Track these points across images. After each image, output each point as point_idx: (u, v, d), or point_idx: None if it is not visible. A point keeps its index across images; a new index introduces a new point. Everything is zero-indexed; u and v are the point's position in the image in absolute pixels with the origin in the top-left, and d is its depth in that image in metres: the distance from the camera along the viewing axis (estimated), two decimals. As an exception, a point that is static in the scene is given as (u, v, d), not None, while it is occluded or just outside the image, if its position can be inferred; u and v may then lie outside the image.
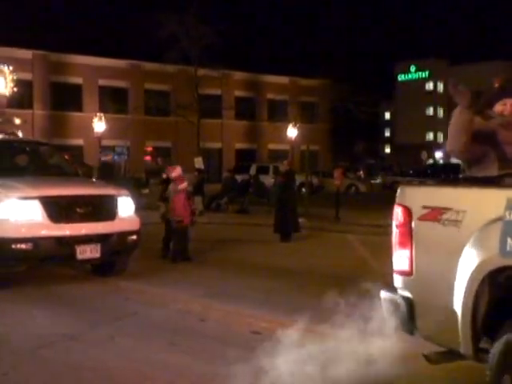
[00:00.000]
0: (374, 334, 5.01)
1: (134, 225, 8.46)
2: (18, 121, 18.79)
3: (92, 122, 32.49)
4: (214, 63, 36.71)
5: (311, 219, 16.42)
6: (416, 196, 3.56)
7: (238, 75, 44.83)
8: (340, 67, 41.06)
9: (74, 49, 39.94)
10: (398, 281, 3.58)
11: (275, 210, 13.49)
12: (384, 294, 3.65)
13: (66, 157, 11.46)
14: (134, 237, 8.38)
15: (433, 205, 3.38)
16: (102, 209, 8.16)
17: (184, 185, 10.39)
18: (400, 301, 3.47)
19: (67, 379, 4.63)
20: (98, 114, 33.28)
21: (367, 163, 59.12)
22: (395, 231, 3.57)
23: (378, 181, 43.04)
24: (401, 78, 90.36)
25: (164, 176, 11.42)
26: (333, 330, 5.28)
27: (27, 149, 9.96)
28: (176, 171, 10.47)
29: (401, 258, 3.52)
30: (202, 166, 23.62)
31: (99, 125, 31.99)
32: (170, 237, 10.36)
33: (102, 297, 7.49)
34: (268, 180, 26.91)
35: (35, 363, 4.94)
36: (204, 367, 4.59)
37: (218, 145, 44.84)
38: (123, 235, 8.20)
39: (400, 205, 3.55)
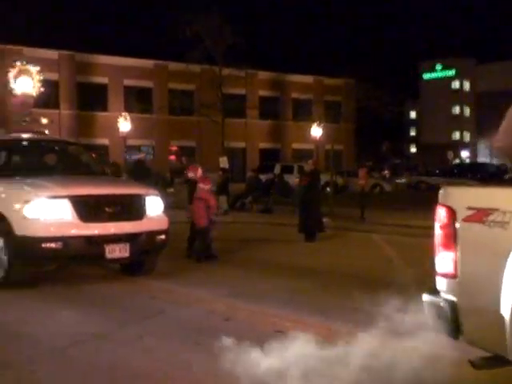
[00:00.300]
0: (407, 336, 4.90)
1: (163, 224, 8.41)
2: (44, 120, 18.99)
3: (117, 121, 32.69)
4: (238, 63, 36.71)
5: (336, 219, 16.32)
6: (460, 197, 3.44)
7: (262, 75, 44.79)
8: (365, 66, 40.71)
9: (99, 49, 40.41)
10: (441, 284, 3.47)
11: (299, 210, 13.40)
12: (426, 297, 3.54)
13: (94, 156, 11.52)
14: (163, 236, 8.34)
15: (478, 206, 3.27)
16: (131, 208, 8.13)
17: (209, 186, 10.45)
18: (444, 304, 3.37)
19: (97, 378, 4.61)
20: (123, 113, 33.49)
21: (392, 163, 58.63)
22: (438, 232, 3.46)
23: (403, 180, 42.65)
24: (426, 76, 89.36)
25: (190, 174, 11.40)
26: (361, 330, 5.19)
27: (56, 148, 10.03)
28: (198, 172, 10.56)
29: (444, 260, 3.41)
30: (227, 166, 23.66)
31: (124, 124, 32.17)
32: (195, 237, 10.36)
33: (130, 296, 7.48)
34: (292, 180, 26.77)
35: (64, 362, 4.92)
36: (229, 367, 4.54)
37: (241, 144, 44.86)
38: (152, 234, 8.17)
39: (443, 205, 3.44)
